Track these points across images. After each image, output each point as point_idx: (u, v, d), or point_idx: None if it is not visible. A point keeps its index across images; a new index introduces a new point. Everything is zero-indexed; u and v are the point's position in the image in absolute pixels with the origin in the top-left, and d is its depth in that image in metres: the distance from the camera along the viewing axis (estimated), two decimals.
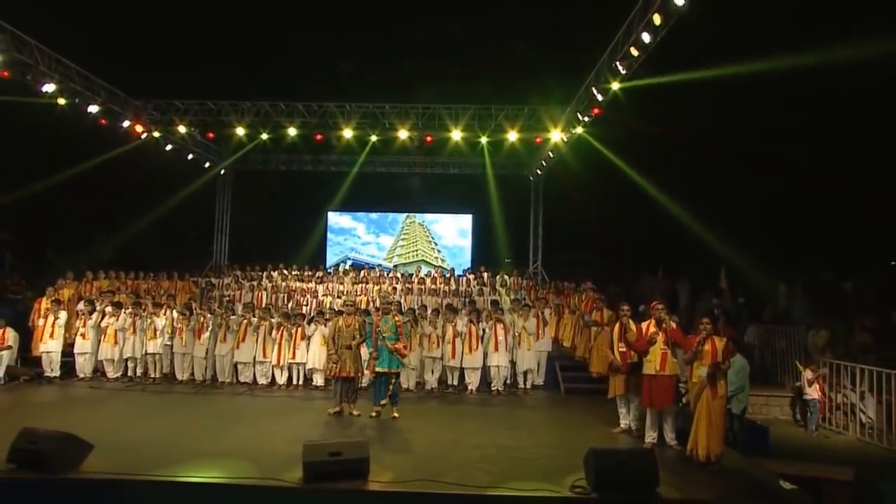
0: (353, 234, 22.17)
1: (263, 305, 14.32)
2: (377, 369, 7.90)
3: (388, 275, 17.39)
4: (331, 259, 21.38)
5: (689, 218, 14.92)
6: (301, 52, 16.89)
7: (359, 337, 8.03)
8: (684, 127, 13.71)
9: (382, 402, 7.87)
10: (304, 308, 14.60)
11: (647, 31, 9.07)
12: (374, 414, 7.89)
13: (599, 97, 11.47)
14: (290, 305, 14.77)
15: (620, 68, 10.35)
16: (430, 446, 6.62)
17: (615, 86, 10.85)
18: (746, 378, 7.51)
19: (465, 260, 21.04)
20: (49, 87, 11.62)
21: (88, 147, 14.81)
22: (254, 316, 10.43)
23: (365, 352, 8.24)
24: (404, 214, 22.02)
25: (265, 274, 17.07)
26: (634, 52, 9.66)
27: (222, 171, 19.67)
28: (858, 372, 8.76)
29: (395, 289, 15.49)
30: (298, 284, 16.15)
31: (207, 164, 18.89)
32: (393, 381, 7.94)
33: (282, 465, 5.54)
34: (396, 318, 8.13)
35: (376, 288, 15.73)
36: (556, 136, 14.51)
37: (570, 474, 5.42)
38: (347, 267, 18.76)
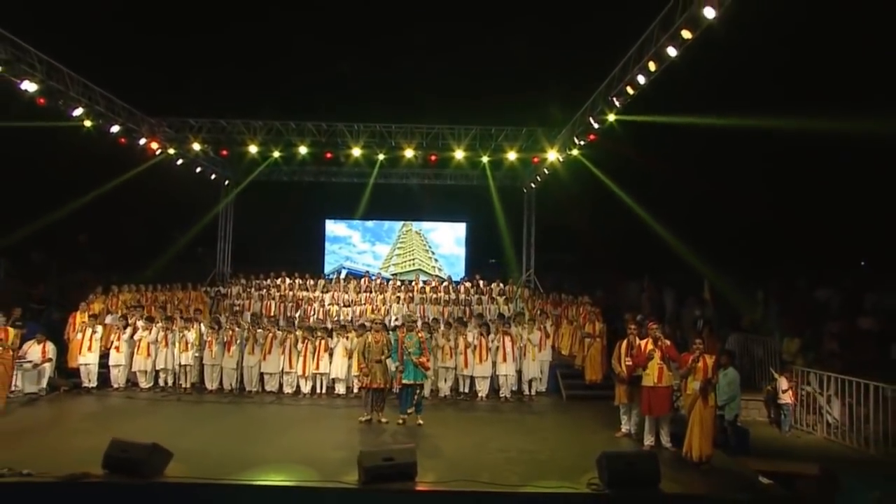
0: (348, 243, 22.40)
1: (272, 315, 15.11)
2: (403, 381, 8.80)
3: (388, 283, 18.18)
4: (327, 268, 21.68)
5: (671, 235, 16.03)
6: (311, 74, 17.64)
7: (387, 352, 8.91)
8: (668, 155, 14.85)
9: (409, 410, 8.77)
10: (311, 317, 15.38)
11: (642, 73, 10.07)
12: (400, 421, 8.79)
13: (596, 125, 12.46)
14: (297, 314, 15.53)
15: (616, 102, 11.36)
16: (457, 450, 7.54)
17: (611, 117, 11.85)
18: (738, 388, 8.53)
19: (461, 268, 21.64)
20: (77, 111, 12.23)
21: (105, 164, 15.43)
22: (279, 329, 11.22)
23: (391, 365, 9.12)
24: (401, 223, 22.26)
25: (269, 282, 17.75)
26: (630, 90, 10.66)
27: (226, 182, 20.33)
28: (825, 378, 9.86)
29: (398, 298, 16.32)
30: (305, 293, 16.89)
31: (213, 176, 19.52)
32: (418, 391, 8.85)
33: (337, 468, 6.43)
34: (420, 335, 9.05)
35: (380, 297, 16.55)
36: (553, 155, 15.51)
37: (585, 473, 6.38)
38: (343, 276, 19.36)
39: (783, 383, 9.86)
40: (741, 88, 13.98)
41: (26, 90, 10.68)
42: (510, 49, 16.45)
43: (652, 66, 9.63)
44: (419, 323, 11.66)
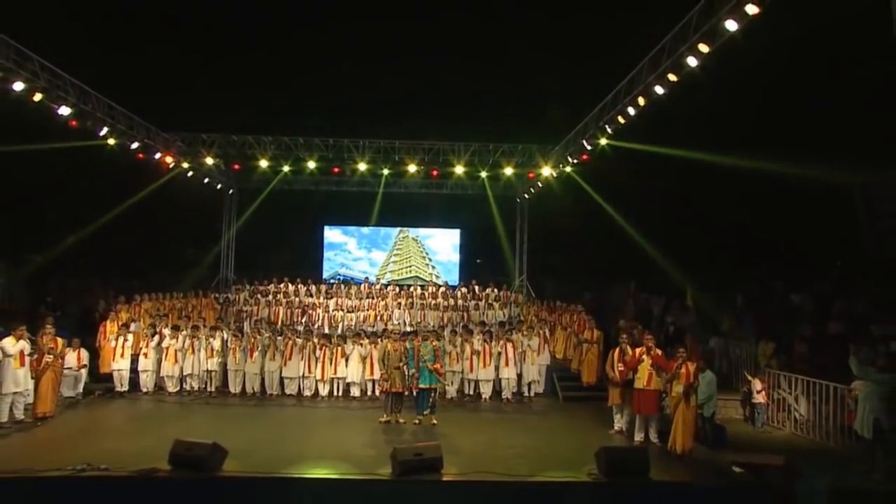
0: (343, 249, 22.92)
1: (279, 321, 15.89)
2: (420, 385, 9.78)
3: (387, 289, 19.04)
4: (324, 274, 22.16)
5: (655, 248, 17.16)
6: (319, 91, 18.50)
7: (404, 359, 9.87)
8: (655, 176, 16.01)
9: (425, 412, 9.75)
10: (316, 322, 16.21)
11: (632, 105, 11.15)
12: (417, 422, 9.76)
13: (588, 147, 13.54)
14: (303, 320, 16.36)
15: (608, 128, 12.44)
16: (472, 446, 8.52)
17: (603, 141, 12.94)
18: (714, 389, 9.66)
19: (457, 274, 22.32)
20: (103, 131, 12.99)
21: (122, 178, 16.18)
22: (298, 336, 12.11)
23: (408, 371, 10.07)
24: (397, 229, 22.83)
25: (273, 287, 18.47)
26: (620, 119, 11.74)
27: (231, 191, 21.06)
28: (794, 379, 11.03)
29: (399, 304, 17.22)
30: (310, 299, 17.72)
31: (219, 186, 20.26)
32: (432, 395, 9.83)
33: (371, 463, 7.37)
34: (434, 344, 10.04)
35: (382, 303, 17.45)
36: (547, 171, 16.58)
37: (584, 465, 7.40)
38: (341, 282, 20.08)
39: (757, 385, 11.00)
40: (721, 127, 15.24)
41: (61, 115, 11.43)
42: (509, 70, 17.50)
43: (641, 100, 10.72)
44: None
